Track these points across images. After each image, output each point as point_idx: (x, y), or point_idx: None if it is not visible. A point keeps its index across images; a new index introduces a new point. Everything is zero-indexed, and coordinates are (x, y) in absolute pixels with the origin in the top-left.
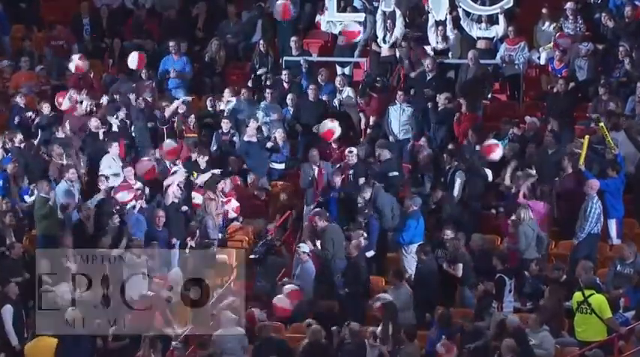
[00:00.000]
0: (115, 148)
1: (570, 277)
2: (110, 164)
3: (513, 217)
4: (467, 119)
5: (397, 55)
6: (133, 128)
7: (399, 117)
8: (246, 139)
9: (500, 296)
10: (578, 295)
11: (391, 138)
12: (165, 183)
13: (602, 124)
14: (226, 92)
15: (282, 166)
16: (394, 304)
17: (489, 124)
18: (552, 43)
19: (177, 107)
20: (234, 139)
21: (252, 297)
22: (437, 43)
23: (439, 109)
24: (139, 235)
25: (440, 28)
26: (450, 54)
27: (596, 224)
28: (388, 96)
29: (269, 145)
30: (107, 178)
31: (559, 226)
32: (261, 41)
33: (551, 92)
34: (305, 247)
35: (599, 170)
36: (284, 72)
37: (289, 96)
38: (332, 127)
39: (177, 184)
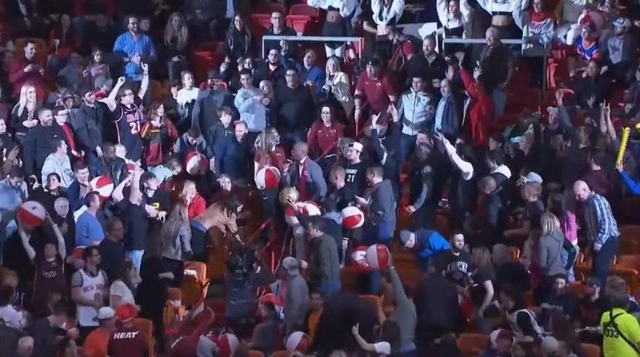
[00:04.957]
0: (64, 147)
1: (603, 296)
2: (54, 167)
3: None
4: (484, 103)
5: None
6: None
7: (413, 107)
8: (225, 134)
9: (528, 330)
10: (605, 316)
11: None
12: (123, 185)
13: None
14: (186, 78)
15: None
16: (397, 326)
17: (508, 117)
18: (584, 16)
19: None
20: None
21: (226, 319)
22: (448, 20)
23: (444, 97)
24: (89, 242)
25: (451, 3)
26: (464, 33)
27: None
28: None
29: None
30: (59, 177)
31: (584, 236)
32: (237, 17)
33: (580, 77)
34: (291, 261)
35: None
36: (271, 52)
37: (262, 83)
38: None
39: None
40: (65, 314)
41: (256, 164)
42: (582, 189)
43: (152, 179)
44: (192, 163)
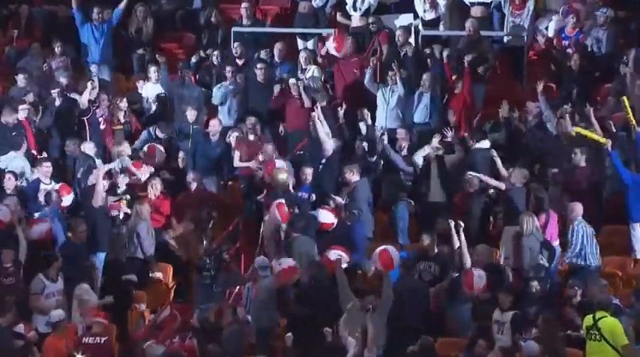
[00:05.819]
0: (25, 146)
1: (585, 299)
2: (17, 165)
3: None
4: (468, 93)
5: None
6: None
7: (387, 100)
8: (195, 131)
9: (519, 332)
10: (587, 319)
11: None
12: (89, 182)
13: (624, 97)
14: (152, 71)
15: None
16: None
17: (487, 111)
18: (567, 6)
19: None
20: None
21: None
22: (424, 11)
23: (421, 92)
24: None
25: None
26: (441, 24)
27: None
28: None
29: None
30: (16, 175)
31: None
32: (215, 12)
33: (562, 69)
34: (262, 261)
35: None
36: (235, 44)
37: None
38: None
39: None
40: (16, 314)
41: (236, 153)
42: (574, 211)
43: (119, 175)
44: (158, 154)
